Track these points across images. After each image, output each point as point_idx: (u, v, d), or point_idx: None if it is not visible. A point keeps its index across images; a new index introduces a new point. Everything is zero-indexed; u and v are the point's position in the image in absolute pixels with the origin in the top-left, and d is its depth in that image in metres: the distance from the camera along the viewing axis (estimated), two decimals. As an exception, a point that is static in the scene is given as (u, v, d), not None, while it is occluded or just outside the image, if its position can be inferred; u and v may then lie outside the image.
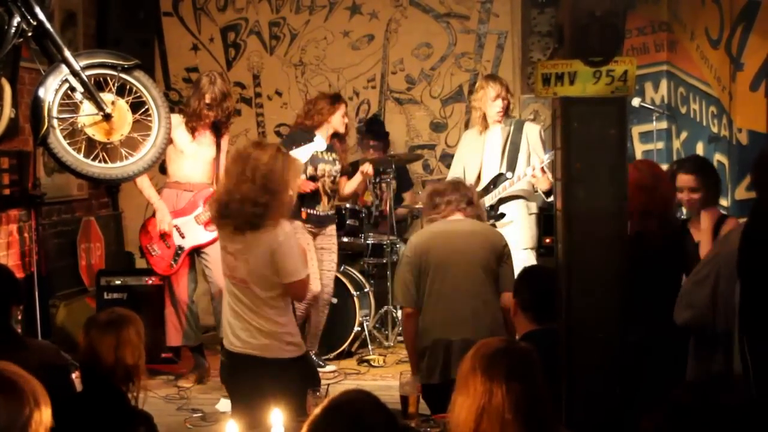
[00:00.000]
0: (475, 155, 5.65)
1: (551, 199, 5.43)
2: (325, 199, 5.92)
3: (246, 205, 3.63)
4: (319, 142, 5.64)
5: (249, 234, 3.66)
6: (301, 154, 5.27)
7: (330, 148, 5.93)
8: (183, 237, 5.73)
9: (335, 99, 6.02)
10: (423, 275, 4.13)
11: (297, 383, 3.48)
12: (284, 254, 3.64)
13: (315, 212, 5.85)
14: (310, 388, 3.09)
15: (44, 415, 2.08)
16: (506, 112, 5.66)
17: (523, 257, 5.31)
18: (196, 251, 5.77)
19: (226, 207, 3.71)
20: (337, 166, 5.98)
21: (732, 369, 2.96)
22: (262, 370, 3.69)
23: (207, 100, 5.63)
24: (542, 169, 5.29)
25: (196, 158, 5.74)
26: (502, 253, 4.17)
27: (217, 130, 5.79)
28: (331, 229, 6.04)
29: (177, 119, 5.58)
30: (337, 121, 5.91)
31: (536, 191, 5.55)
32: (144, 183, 5.71)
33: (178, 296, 5.79)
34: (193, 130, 5.70)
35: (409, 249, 4.27)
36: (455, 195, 4.26)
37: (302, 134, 5.80)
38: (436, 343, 4.04)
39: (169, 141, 4.83)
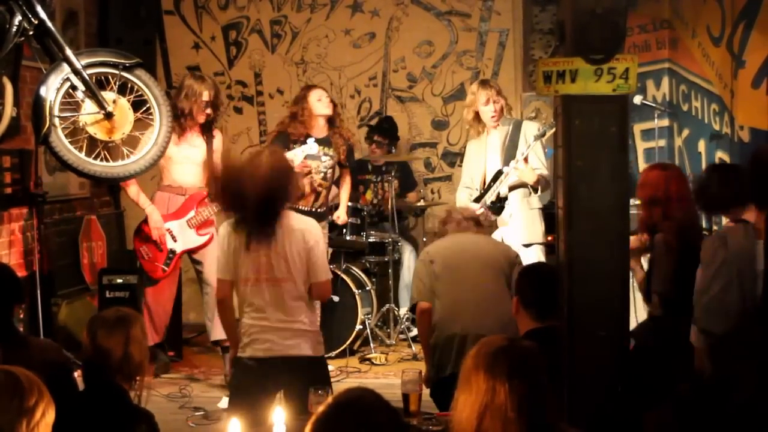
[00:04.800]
0: (479, 161, 5.62)
1: (539, 194, 5.44)
2: (311, 196, 5.79)
3: (262, 210, 3.72)
4: (311, 145, 5.52)
5: (278, 231, 3.75)
6: (293, 155, 5.27)
7: (327, 142, 5.78)
8: (175, 240, 5.67)
9: (306, 88, 5.95)
10: (436, 275, 4.26)
11: (322, 381, 3.60)
12: (320, 253, 3.84)
13: (296, 207, 5.46)
14: (312, 387, 3.10)
15: (48, 414, 2.10)
16: (501, 114, 5.63)
17: (524, 253, 5.24)
18: (188, 254, 5.73)
19: (246, 219, 3.77)
20: (327, 162, 5.77)
21: None
22: (292, 368, 3.73)
23: (206, 98, 5.50)
24: (525, 159, 5.30)
25: (185, 161, 5.60)
26: (514, 261, 4.32)
27: (207, 129, 5.64)
28: (322, 225, 5.73)
29: None
30: (315, 106, 5.75)
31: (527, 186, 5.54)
32: (133, 190, 5.65)
33: (159, 298, 5.71)
34: (180, 134, 5.50)
35: (422, 253, 4.51)
36: (462, 217, 4.49)
37: (283, 138, 5.74)
38: (448, 339, 4.11)
39: (170, 140, 4.77)
